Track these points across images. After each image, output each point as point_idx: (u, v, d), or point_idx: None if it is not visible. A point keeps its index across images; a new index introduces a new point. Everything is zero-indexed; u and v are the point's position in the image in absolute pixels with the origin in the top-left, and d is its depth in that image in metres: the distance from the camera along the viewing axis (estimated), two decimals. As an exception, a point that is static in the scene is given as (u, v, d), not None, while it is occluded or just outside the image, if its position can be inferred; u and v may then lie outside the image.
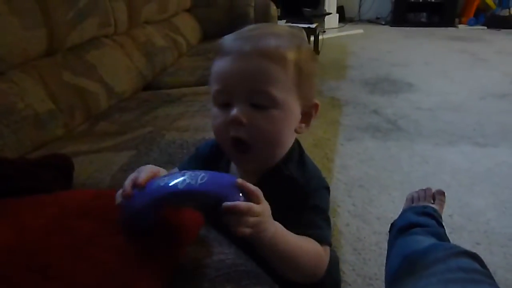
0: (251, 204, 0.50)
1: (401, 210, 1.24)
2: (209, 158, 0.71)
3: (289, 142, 0.65)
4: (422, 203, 1.19)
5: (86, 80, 1.44)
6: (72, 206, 0.63)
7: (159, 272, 0.53)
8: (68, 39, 1.41)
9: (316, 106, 0.65)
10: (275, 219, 0.55)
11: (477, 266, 0.66)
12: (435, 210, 1.13)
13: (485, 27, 5.26)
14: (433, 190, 1.27)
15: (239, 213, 0.49)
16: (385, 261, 1.28)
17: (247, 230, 0.49)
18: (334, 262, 0.85)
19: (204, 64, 2.02)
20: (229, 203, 0.48)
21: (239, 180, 0.51)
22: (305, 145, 0.70)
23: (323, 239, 0.61)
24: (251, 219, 0.49)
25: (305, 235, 0.59)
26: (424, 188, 1.29)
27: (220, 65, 0.60)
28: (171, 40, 2.24)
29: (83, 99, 1.39)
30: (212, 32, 2.67)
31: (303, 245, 0.58)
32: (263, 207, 0.52)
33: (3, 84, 1.13)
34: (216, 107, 0.61)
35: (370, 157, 1.97)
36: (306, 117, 0.64)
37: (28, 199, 0.67)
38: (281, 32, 0.63)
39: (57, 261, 0.53)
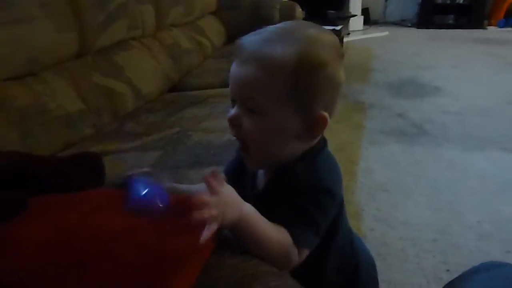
0: (203, 197, 0.54)
1: None
2: (240, 159, 0.72)
3: (287, 148, 0.64)
4: None
5: (115, 82, 1.47)
6: (103, 204, 0.65)
7: (185, 272, 0.53)
8: (98, 41, 1.45)
9: (321, 118, 0.62)
10: (277, 214, 0.59)
11: None
12: None
13: (516, 29, 5.12)
14: None
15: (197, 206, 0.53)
16: (409, 266, 1.27)
17: (203, 217, 0.52)
18: (371, 265, 0.84)
19: (229, 67, 1.99)
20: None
21: (206, 173, 0.56)
22: (329, 148, 0.69)
23: (296, 240, 0.60)
24: (206, 210, 0.53)
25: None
26: None
27: (232, 66, 0.63)
28: (196, 42, 2.27)
29: (111, 100, 1.43)
30: (236, 34, 2.62)
31: (272, 234, 0.59)
32: (217, 199, 0.54)
33: (37, 85, 1.17)
34: None
35: (395, 161, 1.94)
36: (310, 127, 0.62)
37: (61, 196, 0.69)
38: (290, 36, 0.60)
39: (88, 257, 0.54)
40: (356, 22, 5.24)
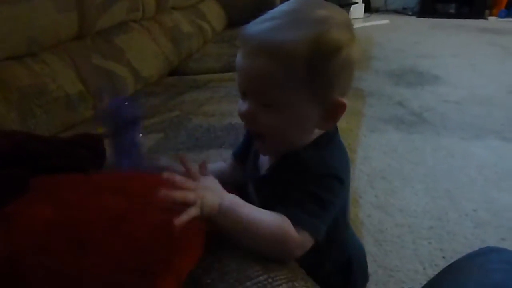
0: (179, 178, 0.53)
1: None
2: (247, 140, 0.73)
3: (304, 136, 0.62)
4: None
5: (114, 64, 1.46)
6: (106, 184, 0.64)
7: (191, 250, 0.54)
8: (98, 22, 1.44)
9: (340, 104, 0.59)
10: (282, 198, 0.57)
11: None
12: None
13: (517, 20, 5.08)
14: None
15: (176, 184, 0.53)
16: (405, 253, 1.28)
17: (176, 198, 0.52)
18: (362, 256, 0.84)
19: (229, 51, 2.02)
20: (167, 174, 0.53)
21: (181, 155, 0.57)
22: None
23: (299, 222, 0.56)
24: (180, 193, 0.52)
25: (280, 212, 0.56)
26: None
27: (237, 57, 0.59)
28: (197, 26, 2.25)
29: (111, 82, 1.42)
30: (237, 18, 2.65)
31: (260, 218, 0.56)
32: (196, 184, 0.55)
33: (36, 65, 1.16)
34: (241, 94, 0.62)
35: (393, 149, 1.95)
36: (329, 114, 0.60)
37: (63, 176, 0.69)
38: (299, 20, 0.56)
39: (92, 236, 0.54)
40: (357, 10, 5.20)
